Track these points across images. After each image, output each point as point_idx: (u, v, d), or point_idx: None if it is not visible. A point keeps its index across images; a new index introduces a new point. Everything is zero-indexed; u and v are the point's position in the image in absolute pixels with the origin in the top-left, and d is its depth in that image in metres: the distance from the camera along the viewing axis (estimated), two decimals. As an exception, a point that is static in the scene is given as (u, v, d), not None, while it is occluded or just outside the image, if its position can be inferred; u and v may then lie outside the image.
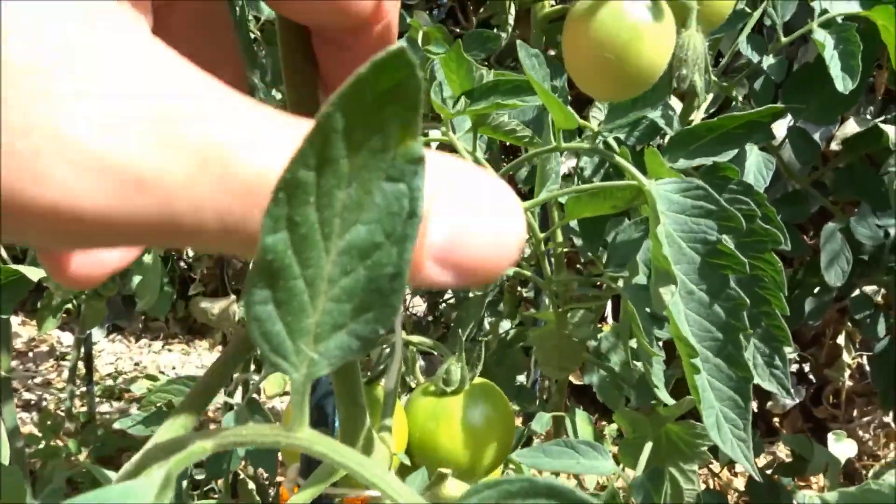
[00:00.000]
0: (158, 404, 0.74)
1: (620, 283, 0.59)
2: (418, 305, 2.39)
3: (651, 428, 0.51)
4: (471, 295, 1.24)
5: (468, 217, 0.16)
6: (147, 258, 1.06)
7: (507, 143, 1.58)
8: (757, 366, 0.47)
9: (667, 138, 0.54)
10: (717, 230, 0.41)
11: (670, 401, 0.55)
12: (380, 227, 0.14)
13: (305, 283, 0.15)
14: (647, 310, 0.53)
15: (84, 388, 2.03)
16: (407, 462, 0.49)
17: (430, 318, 2.11)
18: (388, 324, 0.15)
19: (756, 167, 0.74)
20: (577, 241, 0.92)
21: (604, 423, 2.09)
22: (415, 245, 0.15)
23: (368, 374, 0.56)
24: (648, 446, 0.50)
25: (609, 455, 0.51)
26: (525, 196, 0.68)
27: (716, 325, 0.41)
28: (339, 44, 0.23)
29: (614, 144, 0.53)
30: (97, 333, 2.04)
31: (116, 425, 1.00)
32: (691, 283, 0.40)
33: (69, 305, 1.62)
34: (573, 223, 0.85)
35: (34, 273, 0.72)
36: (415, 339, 0.56)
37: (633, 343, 0.69)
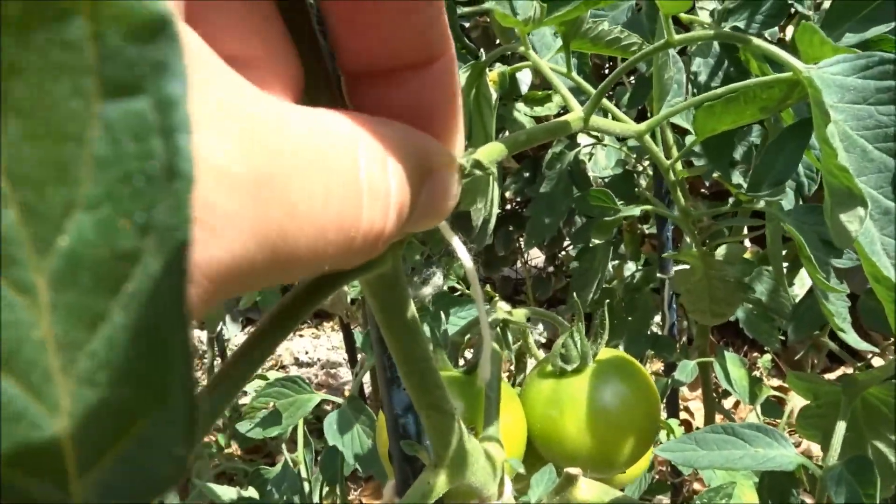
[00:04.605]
0: (262, 409, 0.70)
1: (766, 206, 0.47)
2: (536, 256, 2.29)
3: (844, 396, 0.38)
4: (594, 242, 1.11)
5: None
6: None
7: (604, 66, 1.43)
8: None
9: (826, 4, 0.40)
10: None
11: (862, 345, 0.42)
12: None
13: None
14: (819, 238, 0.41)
15: (224, 384, 2.09)
16: (521, 470, 0.40)
17: (549, 270, 2.01)
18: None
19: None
20: (698, 162, 0.79)
21: (755, 354, 1.92)
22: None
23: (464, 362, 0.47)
24: (842, 426, 0.37)
25: (787, 442, 0.39)
26: (637, 120, 0.56)
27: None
28: None
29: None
30: (233, 328, 2.08)
31: (239, 426, 0.98)
32: (887, 199, 0.28)
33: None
34: (689, 142, 0.73)
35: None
36: (513, 311, 0.45)
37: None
